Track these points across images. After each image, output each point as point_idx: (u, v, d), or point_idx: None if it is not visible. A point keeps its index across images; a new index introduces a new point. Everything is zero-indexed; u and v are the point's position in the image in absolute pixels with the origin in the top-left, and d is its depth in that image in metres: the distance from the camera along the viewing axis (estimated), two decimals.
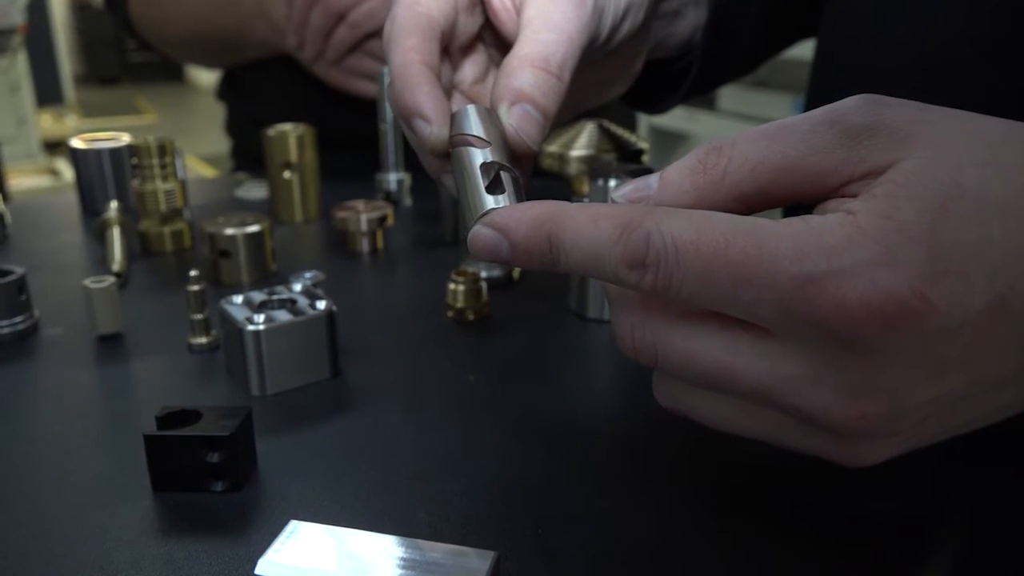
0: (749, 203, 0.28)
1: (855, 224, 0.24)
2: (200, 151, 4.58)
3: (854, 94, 0.28)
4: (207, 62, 1.03)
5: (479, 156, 0.33)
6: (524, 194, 0.33)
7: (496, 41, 0.42)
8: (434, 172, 0.38)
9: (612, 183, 0.52)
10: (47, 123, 5.16)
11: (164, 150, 0.67)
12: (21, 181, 3.99)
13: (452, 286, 0.55)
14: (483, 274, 0.60)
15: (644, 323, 0.29)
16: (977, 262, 0.24)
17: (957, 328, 0.24)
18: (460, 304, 0.55)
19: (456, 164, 0.35)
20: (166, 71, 7.41)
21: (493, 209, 0.31)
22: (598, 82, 0.47)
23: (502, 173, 0.33)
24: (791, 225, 0.25)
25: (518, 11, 0.38)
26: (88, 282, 0.52)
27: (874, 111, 0.27)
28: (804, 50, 0.68)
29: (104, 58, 7.38)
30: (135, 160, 0.67)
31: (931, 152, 0.26)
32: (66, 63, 5.94)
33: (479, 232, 0.30)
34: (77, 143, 0.80)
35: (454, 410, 0.44)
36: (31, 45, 4.55)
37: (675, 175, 0.29)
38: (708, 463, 0.39)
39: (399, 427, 0.42)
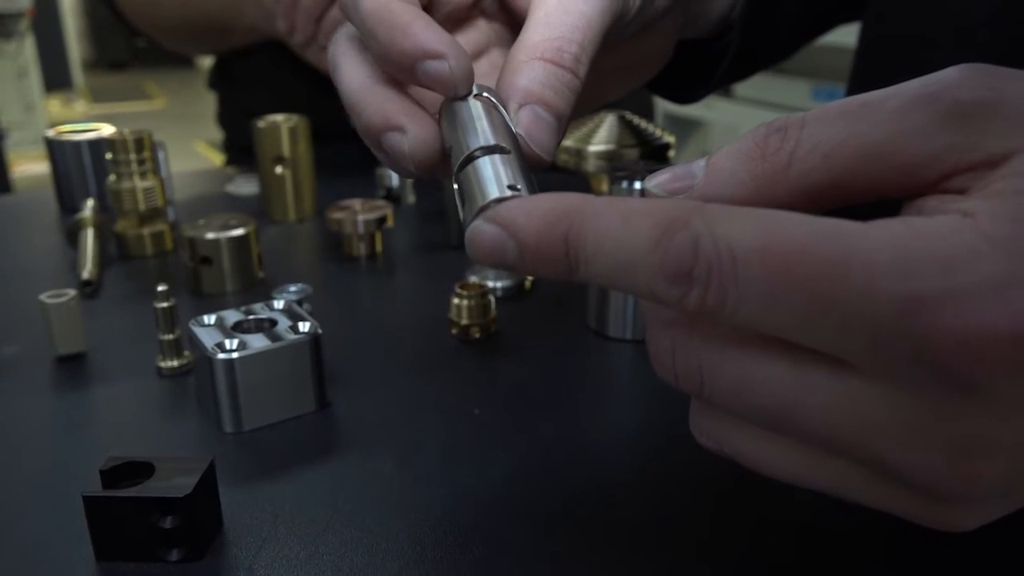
0: (819, 198, 0.22)
1: (976, 229, 0.19)
2: (210, 137, 4.53)
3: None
4: (196, 48, 0.97)
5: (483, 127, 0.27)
6: (537, 185, 0.26)
7: (501, 14, 0.35)
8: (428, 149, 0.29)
9: (637, 185, 0.46)
10: (55, 109, 5.13)
11: (142, 144, 0.61)
12: (28, 168, 3.95)
13: (456, 300, 0.49)
14: (490, 284, 0.54)
15: (688, 341, 0.22)
16: None
17: None
18: (465, 320, 0.49)
19: (450, 128, 0.28)
20: (176, 56, 7.34)
21: (499, 200, 0.24)
22: (624, 69, 0.40)
23: (510, 157, 0.26)
24: (889, 228, 0.19)
25: None
26: (45, 297, 0.46)
27: (991, 84, 0.21)
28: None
29: (113, 43, 7.32)
30: (110, 155, 0.61)
31: None
32: (74, 48, 5.90)
33: (479, 229, 0.23)
34: (52, 135, 0.74)
35: (457, 453, 0.38)
36: (38, 29, 4.50)
37: (727, 162, 0.23)
38: (743, 521, 0.33)
39: (392, 476, 0.36)
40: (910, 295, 0.18)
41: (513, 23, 0.35)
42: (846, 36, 0.64)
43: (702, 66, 0.48)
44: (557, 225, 0.22)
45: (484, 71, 0.35)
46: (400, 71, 0.28)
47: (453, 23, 0.34)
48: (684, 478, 0.36)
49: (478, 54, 0.35)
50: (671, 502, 0.34)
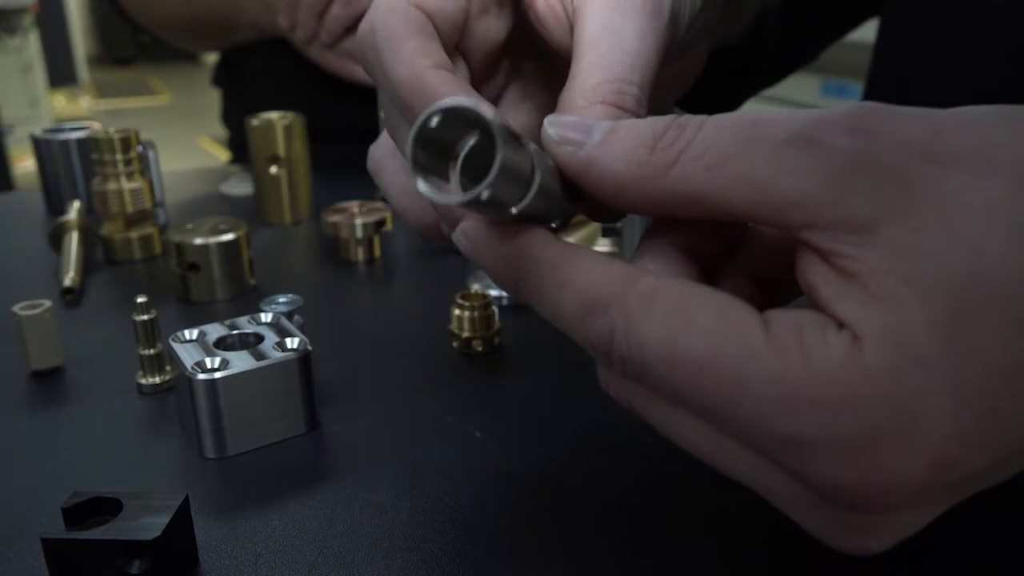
0: (689, 209, 0.22)
1: (863, 368, 0.19)
2: (216, 133, 4.51)
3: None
4: (198, 45, 0.94)
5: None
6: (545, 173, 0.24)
7: (532, 52, 0.32)
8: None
9: None
10: (60, 104, 5.11)
11: (128, 143, 0.58)
12: (31, 164, 3.94)
13: (457, 311, 0.46)
14: (494, 293, 0.51)
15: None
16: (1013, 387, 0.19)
17: (978, 471, 0.20)
18: (466, 333, 0.46)
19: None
20: (181, 52, 7.29)
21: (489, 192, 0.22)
22: (661, 89, 0.38)
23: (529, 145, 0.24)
24: (786, 356, 0.20)
25: (569, 16, 0.28)
26: (19, 308, 0.43)
27: (867, 130, 0.20)
28: None
29: (119, 38, 7.30)
30: (95, 155, 0.58)
31: (933, 217, 0.19)
32: (80, 43, 5.89)
33: (456, 239, 0.25)
34: (39, 133, 0.71)
35: (456, 483, 0.35)
36: (44, 25, 4.49)
37: (627, 137, 0.23)
38: (758, 560, 0.30)
39: (386, 508, 0.33)
40: (791, 436, 0.19)
41: (545, 63, 0.32)
42: (856, 31, 0.61)
43: (731, 75, 0.45)
44: (507, 272, 0.24)
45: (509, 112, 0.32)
46: None
47: (483, 65, 0.32)
48: (701, 510, 0.33)
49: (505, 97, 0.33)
50: (687, 536, 0.31)
